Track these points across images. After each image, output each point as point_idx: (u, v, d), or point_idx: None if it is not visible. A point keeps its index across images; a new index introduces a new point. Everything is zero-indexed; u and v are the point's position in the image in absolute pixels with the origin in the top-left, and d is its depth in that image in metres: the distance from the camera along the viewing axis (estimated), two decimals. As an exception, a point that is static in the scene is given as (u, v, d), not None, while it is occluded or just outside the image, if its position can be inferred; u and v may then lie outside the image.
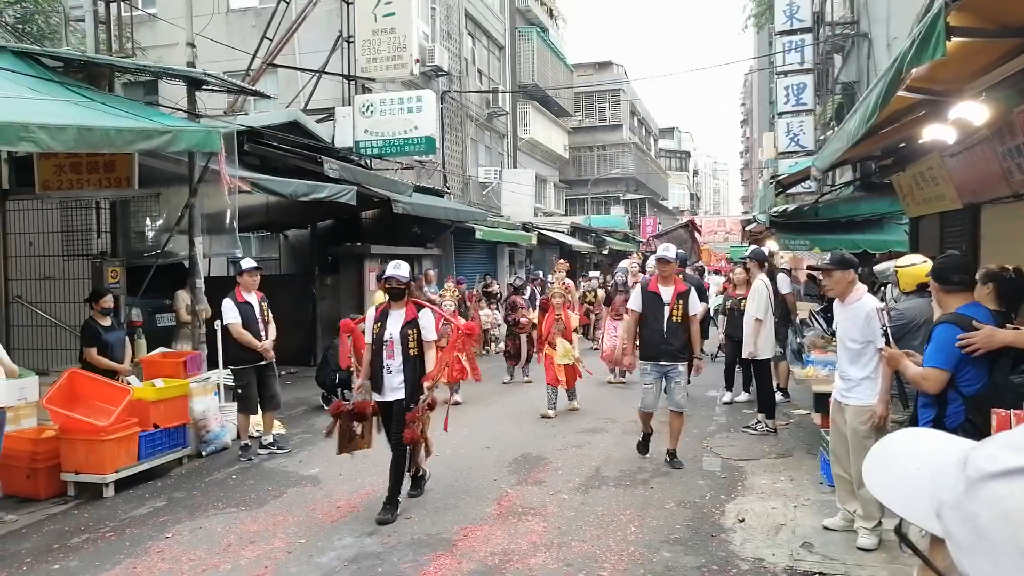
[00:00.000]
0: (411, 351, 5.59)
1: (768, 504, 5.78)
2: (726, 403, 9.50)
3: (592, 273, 17.93)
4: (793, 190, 14.82)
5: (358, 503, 5.96)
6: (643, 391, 6.83)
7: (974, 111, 5.08)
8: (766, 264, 8.62)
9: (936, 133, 5.86)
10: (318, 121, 13.10)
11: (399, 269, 5.67)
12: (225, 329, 7.66)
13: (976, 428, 3.63)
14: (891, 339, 4.45)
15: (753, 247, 11.06)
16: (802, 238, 12.71)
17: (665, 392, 6.77)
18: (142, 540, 5.34)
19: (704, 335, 10.54)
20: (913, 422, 4.21)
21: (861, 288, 5.09)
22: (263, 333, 7.66)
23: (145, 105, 8.96)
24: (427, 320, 5.73)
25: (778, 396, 9.09)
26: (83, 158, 7.87)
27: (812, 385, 7.17)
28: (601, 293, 15.59)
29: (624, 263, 14.12)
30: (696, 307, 6.82)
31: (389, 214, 12.82)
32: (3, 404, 5.88)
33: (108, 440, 6.33)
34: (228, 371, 7.90)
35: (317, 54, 14.56)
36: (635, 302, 6.86)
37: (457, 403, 9.63)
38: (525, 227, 22.00)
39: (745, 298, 8.83)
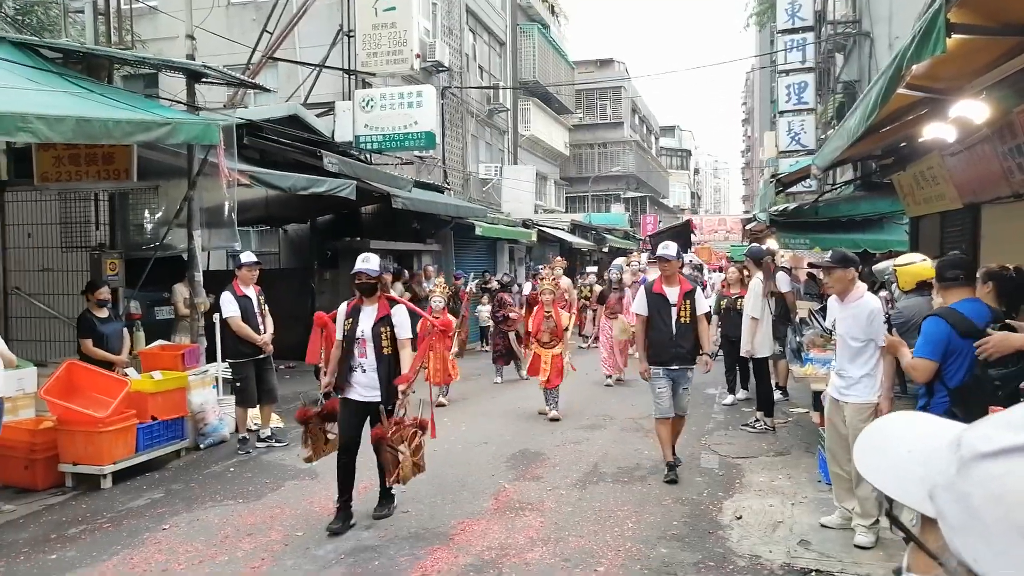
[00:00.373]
0: (384, 349, 5.29)
1: (766, 502, 5.79)
2: (727, 404, 9.45)
3: (589, 268, 17.92)
4: (793, 189, 14.80)
5: (355, 496, 5.94)
6: (657, 396, 6.38)
7: (975, 110, 5.07)
8: (764, 262, 8.60)
9: (936, 132, 5.85)
10: (318, 115, 13.07)
11: (368, 263, 5.34)
12: (224, 322, 7.65)
13: (957, 419, 3.67)
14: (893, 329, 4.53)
15: (752, 245, 11.05)
16: (802, 237, 12.69)
17: (671, 396, 6.43)
18: (139, 531, 5.34)
19: None
20: None
21: (862, 287, 5.10)
22: (261, 327, 7.66)
23: (144, 97, 8.92)
24: (401, 317, 5.41)
25: (777, 394, 9.09)
26: (82, 150, 7.85)
27: (811, 383, 7.17)
28: (598, 288, 15.60)
29: (619, 261, 14.11)
30: (704, 305, 6.57)
31: (389, 209, 12.80)
32: (1, 394, 5.87)
33: (106, 432, 6.33)
34: (226, 364, 7.90)
35: (317, 48, 14.52)
36: (640, 305, 6.50)
37: (442, 404, 9.43)
38: (525, 224, 21.98)
39: (740, 297, 8.84)
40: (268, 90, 11.62)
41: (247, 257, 7.88)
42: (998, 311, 4.00)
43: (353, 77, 14.91)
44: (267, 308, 7.91)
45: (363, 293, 5.39)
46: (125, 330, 7.85)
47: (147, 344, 8.52)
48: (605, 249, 29.76)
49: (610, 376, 11.25)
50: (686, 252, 21.51)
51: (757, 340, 8.22)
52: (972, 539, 0.75)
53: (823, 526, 5.19)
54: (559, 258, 17.47)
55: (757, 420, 8.17)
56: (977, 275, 4.27)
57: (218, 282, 9.63)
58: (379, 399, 5.29)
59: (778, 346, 8.58)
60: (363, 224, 14.53)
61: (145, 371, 7.55)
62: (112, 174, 7.96)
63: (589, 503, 5.83)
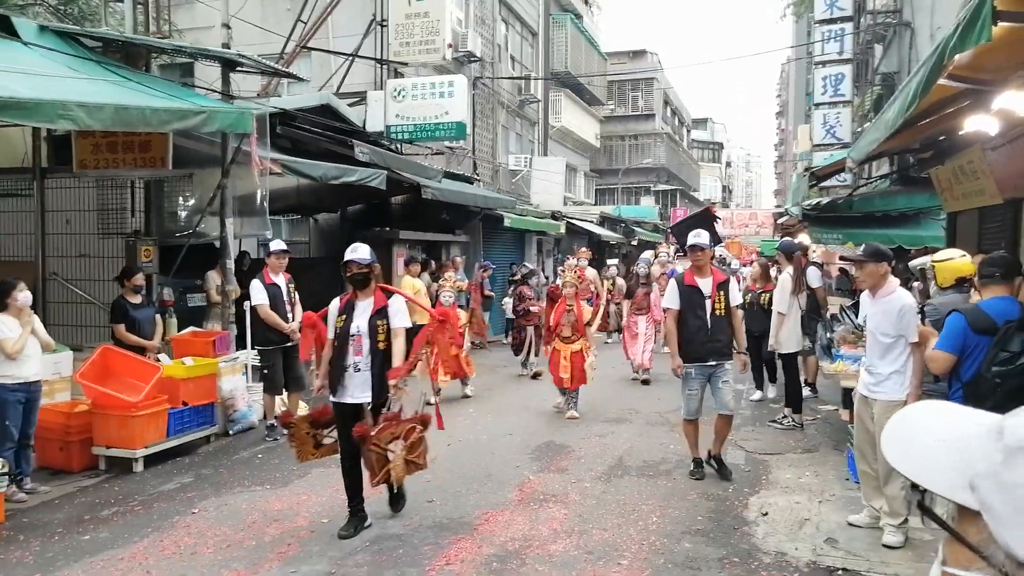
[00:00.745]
0: (380, 344, 4.94)
1: (792, 499, 5.73)
2: (755, 400, 9.33)
3: (610, 261, 17.59)
4: (827, 183, 14.58)
5: (381, 486, 5.99)
6: (686, 397, 6.14)
7: (1020, 101, 4.93)
8: (795, 256, 8.47)
9: (978, 124, 5.71)
10: (350, 105, 13.14)
11: (357, 252, 5.01)
12: (253, 310, 7.75)
13: None
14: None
15: (784, 239, 10.89)
16: (835, 232, 12.51)
17: (712, 394, 6.13)
18: (170, 515, 5.44)
19: None
20: None
21: (894, 282, 5.01)
22: (290, 315, 7.74)
23: (181, 86, 9.04)
24: (397, 306, 5.08)
25: (806, 391, 8.98)
26: (119, 137, 7.98)
27: (841, 380, 7.07)
28: (620, 283, 15.29)
29: (647, 253, 13.88)
30: (737, 297, 6.27)
31: (418, 199, 12.83)
32: (39, 377, 6.02)
33: (139, 416, 6.45)
34: (255, 352, 8.00)
35: (350, 38, 14.58)
36: (672, 299, 6.17)
37: (467, 396, 9.49)
38: (554, 216, 21.90)
39: (764, 292, 8.72)
40: (301, 79, 11.73)
41: (276, 245, 7.97)
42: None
43: (385, 67, 14.96)
44: (297, 296, 7.99)
45: (356, 286, 5.05)
46: (157, 316, 7.98)
47: (179, 331, 8.66)
48: (634, 242, 29.57)
49: (636, 372, 10.93)
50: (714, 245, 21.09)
51: (783, 335, 8.11)
52: (1021, 531, 0.73)
53: (851, 524, 5.12)
54: (584, 249, 17.21)
55: (785, 416, 8.08)
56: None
57: (250, 270, 9.77)
58: (369, 400, 4.97)
59: (807, 342, 8.46)
60: (393, 214, 14.59)
61: (177, 357, 7.68)
62: (148, 162, 8.08)
63: (613, 496, 5.81)
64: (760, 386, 9.48)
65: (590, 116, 31.71)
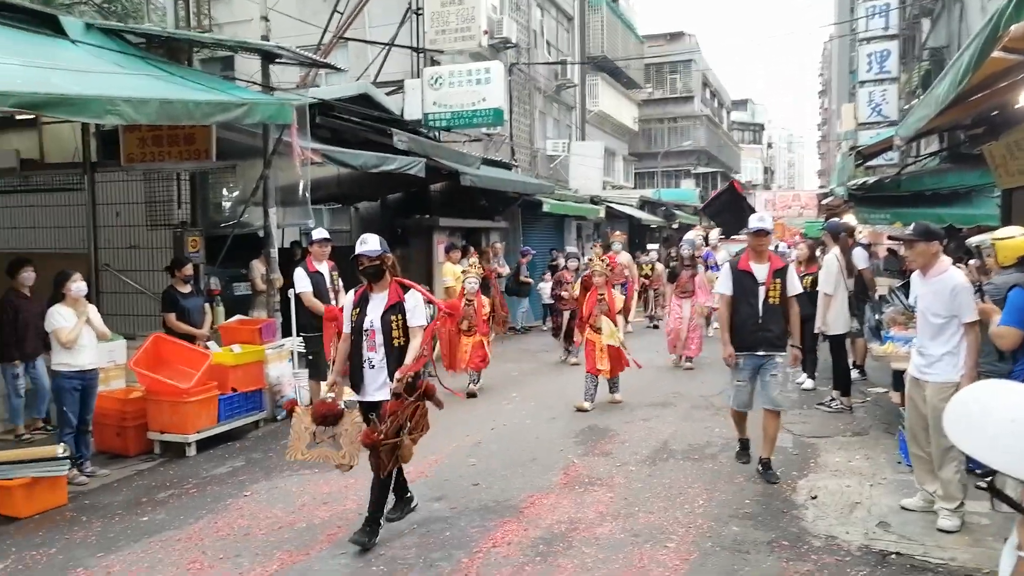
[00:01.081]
0: (396, 341, 4.70)
1: (842, 482, 5.64)
2: (799, 384, 9.10)
3: (650, 246, 17.29)
4: (873, 163, 14.27)
5: (426, 469, 6.07)
6: (735, 387, 5.91)
7: (1078, 72, 4.76)
8: (840, 237, 8.28)
9: (1034, 97, 5.52)
10: (388, 94, 13.20)
11: (366, 244, 4.73)
12: (298, 297, 7.87)
13: None
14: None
15: (831, 220, 10.67)
16: (883, 212, 12.24)
17: (759, 386, 5.81)
18: (222, 497, 5.58)
19: None
20: None
21: (946, 261, 4.89)
22: (333, 302, 7.83)
23: (222, 79, 9.18)
24: (414, 302, 4.79)
25: (854, 373, 8.81)
26: (164, 131, 8.14)
27: (891, 362, 6.94)
28: (659, 267, 15.08)
29: (690, 234, 13.65)
30: (796, 286, 5.89)
31: (457, 187, 12.87)
32: (94, 366, 6.21)
33: (190, 402, 6.61)
34: (300, 338, 8.13)
35: (387, 27, 14.64)
36: (724, 284, 5.91)
37: (473, 395, 8.80)
38: (593, 200, 21.79)
39: (809, 275, 8.51)
40: (339, 69, 11.80)
41: (318, 234, 8.07)
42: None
43: (422, 55, 14.98)
44: (341, 283, 8.09)
45: (369, 279, 4.81)
46: (206, 305, 8.15)
47: (226, 319, 8.84)
48: (675, 225, 29.28)
49: (679, 358, 10.67)
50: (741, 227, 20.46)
51: (830, 317, 7.95)
52: None
53: (904, 508, 5.02)
54: (618, 232, 16.89)
55: (833, 399, 7.95)
56: None
57: (292, 259, 9.90)
58: (388, 397, 4.66)
59: (855, 323, 8.28)
60: (432, 201, 14.65)
61: (225, 345, 7.84)
62: (193, 154, 8.24)
63: (659, 479, 5.79)
64: (811, 373, 9.18)
65: (628, 100, 31.40)
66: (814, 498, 5.32)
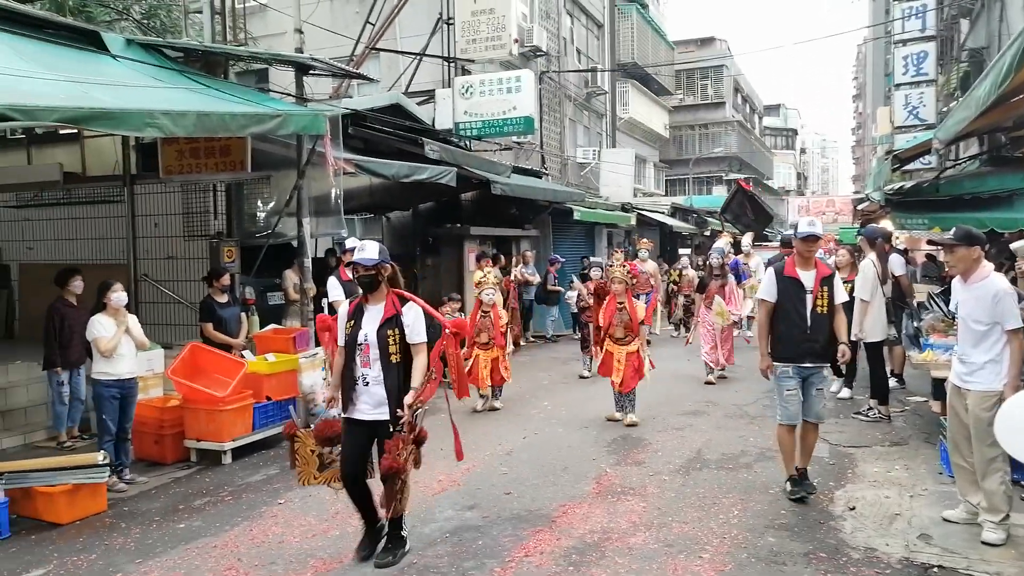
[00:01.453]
0: (392, 357, 4.37)
1: (881, 493, 5.53)
2: (833, 392, 8.89)
3: (682, 251, 17.05)
4: (909, 167, 14.01)
5: (458, 478, 6.08)
6: (784, 399, 5.50)
7: (1125, 72, 4.63)
8: (877, 243, 8.13)
9: (1078, 98, 5.38)
10: (419, 103, 13.31)
11: (364, 251, 4.45)
12: (331, 306, 7.94)
13: None
14: None
15: (869, 225, 10.47)
16: (920, 217, 11.97)
17: (802, 399, 5.52)
18: (257, 504, 5.64)
19: None
20: None
21: (987, 266, 4.78)
22: (367, 311, 7.88)
23: (257, 91, 9.34)
24: (413, 316, 4.47)
25: (892, 382, 8.64)
26: (201, 143, 8.30)
27: (931, 370, 6.79)
28: (689, 274, 14.78)
29: (719, 242, 13.45)
30: (843, 294, 5.66)
31: (488, 195, 12.92)
32: (133, 375, 6.33)
33: (226, 410, 6.71)
34: (335, 347, 8.17)
35: (417, 37, 14.78)
36: (768, 290, 5.57)
37: (495, 408, 8.64)
38: (624, 208, 21.69)
39: (847, 282, 8.33)
40: (371, 80, 11.94)
41: (351, 243, 8.14)
42: None
43: (452, 64, 15.09)
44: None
45: (364, 289, 4.53)
46: (243, 314, 8.26)
47: (261, 328, 8.95)
48: (707, 232, 29.04)
49: (711, 371, 10.17)
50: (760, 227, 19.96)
51: (867, 324, 7.80)
52: None
53: (945, 520, 4.90)
54: (645, 239, 16.66)
55: (870, 408, 7.80)
56: None
57: (326, 269, 10.00)
58: (387, 417, 4.38)
59: (893, 331, 8.12)
60: (463, 210, 14.73)
61: (259, 354, 7.93)
62: (229, 165, 8.38)
63: (692, 489, 5.73)
64: (848, 382, 8.99)
65: (658, 106, 31.26)
66: (852, 509, 5.22)
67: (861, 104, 61.87)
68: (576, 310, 12.24)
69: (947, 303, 7.03)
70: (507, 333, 9.04)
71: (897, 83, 16.77)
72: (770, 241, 22.25)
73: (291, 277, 9.56)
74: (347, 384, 4.47)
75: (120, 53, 7.47)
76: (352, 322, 4.49)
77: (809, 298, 5.43)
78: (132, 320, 6.34)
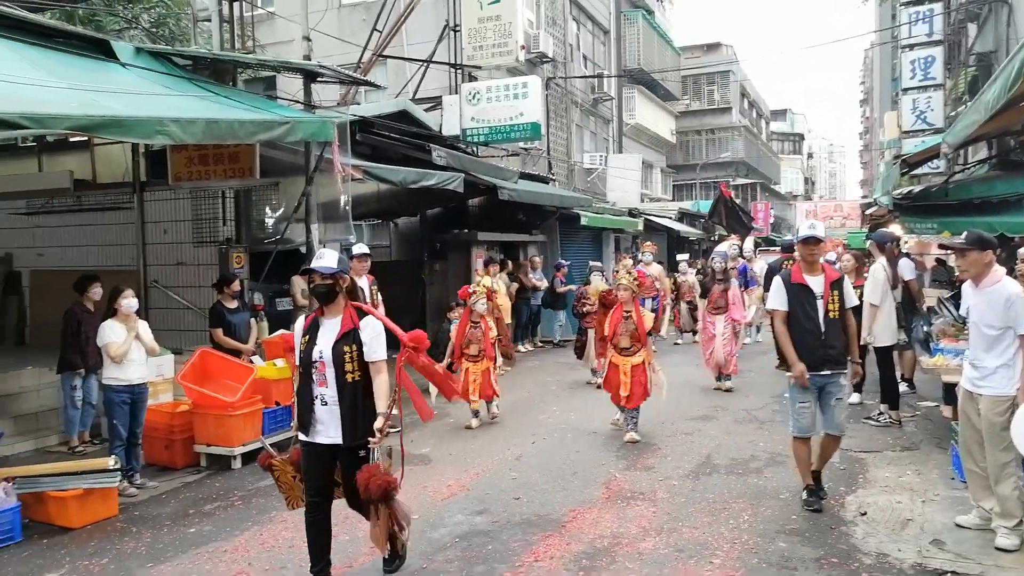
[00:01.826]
0: (349, 376, 4.03)
1: (893, 498, 5.50)
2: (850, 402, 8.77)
3: (680, 256, 16.78)
4: (918, 171, 13.98)
5: (467, 483, 6.08)
6: (797, 411, 5.36)
7: None
8: (887, 247, 8.10)
9: (1089, 101, 5.37)
10: (426, 110, 13.36)
11: (322, 259, 4.14)
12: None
13: None
14: None
15: (879, 230, 10.44)
16: (929, 221, 11.93)
17: (820, 410, 5.38)
18: (267, 509, 5.65)
19: None
20: None
21: (999, 271, 4.76)
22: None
23: (265, 98, 9.37)
24: (372, 332, 4.11)
25: (903, 387, 8.60)
26: (210, 150, 8.34)
27: (942, 375, 6.76)
28: (689, 280, 14.66)
29: (722, 246, 13.38)
30: (853, 298, 5.50)
31: (495, 201, 12.94)
32: (143, 380, 6.35)
33: (235, 416, 6.72)
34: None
35: (424, 44, 14.84)
36: (778, 299, 5.42)
37: (495, 417, 8.38)
38: (631, 213, 21.71)
39: (855, 287, 8.27)
40: (378, 87, 11.97)
41: (358, 248, 8.17)
42: None
43: (459, 71, 15.14)
44: (380, 298, 8.17)
45: (320, 300, 4.17)
46: (252, 320, 8.28)
47: (269, 333, 8.97)
48: (714, 237, 29.01)
49: (718, 379, 9.96)
50: (738, 233, 19.97)
51: (877, 328, 7.77)
52: None
53: (958, 526, 4.88)
54: (648, 243, 16.54)
55: (881, 413, 7.77)
56: None
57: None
58: (339, 441, 4.10)
59: (903, 335, 8.09)
60: (471, 216, 14.75)
61: (268, 359, 7.96)
62: (237, 172, 8.41)
63: (702, 494, 5.71)
64: (858, 387, 8.90)
65: (665, 112, 31.28)
66: (863, 514, 5.19)
67: (868, 108, 61.78)
68: (576, 313, 12.18)
69: (957, 307, 7.00)
70: (495, 345, 8.56)
71: (905, 87, 16.74)
72: (776, 245, 22.24)
73: (299, 283, 9.59)
74: (304, 405, 4.13)
75: (130, 61, 7.51)
76: (307, 337, 4.14)
77: (820, 304, 5.31)
78: (142, 326, 6.37)
